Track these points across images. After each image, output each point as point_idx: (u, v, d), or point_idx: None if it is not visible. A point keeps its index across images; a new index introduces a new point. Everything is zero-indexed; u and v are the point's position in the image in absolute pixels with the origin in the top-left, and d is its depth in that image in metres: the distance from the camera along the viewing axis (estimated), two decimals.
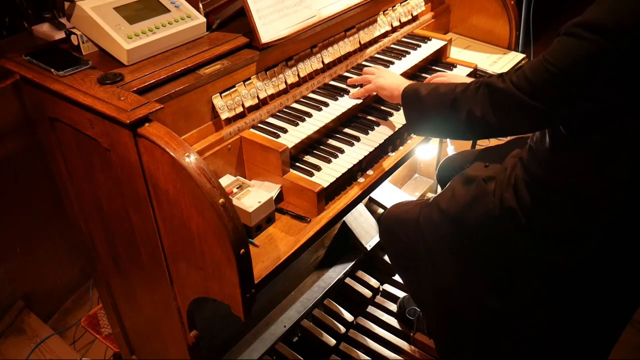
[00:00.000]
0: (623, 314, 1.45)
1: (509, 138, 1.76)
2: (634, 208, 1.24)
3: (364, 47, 1.91)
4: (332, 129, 1.66)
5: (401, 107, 1.53)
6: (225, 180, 1.44)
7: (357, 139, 1.61)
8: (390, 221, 1.84)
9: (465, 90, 1.33)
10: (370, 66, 1.78)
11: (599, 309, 1.41)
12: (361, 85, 1.69)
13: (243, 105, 1.51)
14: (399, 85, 1.54)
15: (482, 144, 3.23)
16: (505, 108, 1.25)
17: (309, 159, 1.55)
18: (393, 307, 2.31)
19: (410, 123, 1.53)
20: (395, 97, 1.55)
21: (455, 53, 2.17)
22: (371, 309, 2.31)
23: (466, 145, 2.63)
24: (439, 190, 2.40)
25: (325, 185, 1.42)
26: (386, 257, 2.46)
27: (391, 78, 1.61)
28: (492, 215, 1.44)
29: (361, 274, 2.39)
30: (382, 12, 1.96)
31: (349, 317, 2.23)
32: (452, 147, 2.66)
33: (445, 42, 2.02)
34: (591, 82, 1.12)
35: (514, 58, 2.14)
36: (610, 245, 1.29)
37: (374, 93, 1.66)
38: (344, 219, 2.29)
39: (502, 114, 1.27)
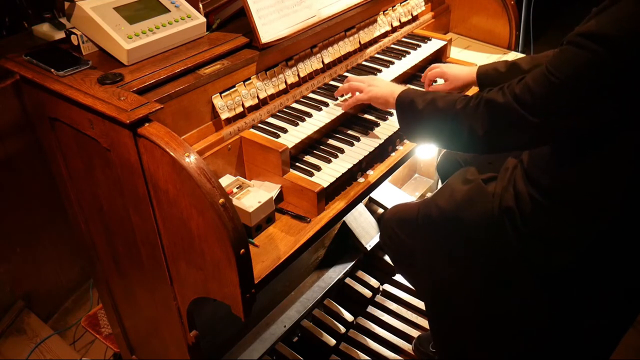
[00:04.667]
0: (624, 316, 1.45)
1: None
2: (630, 214, 1.24)
3: (364, 47, 1.91)
4: (332, 129, 1.66)
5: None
6: (225, 180, 1.44)
7: (357, 139, 1.61)
8: (390, 221, 1.84)
9: (465, 107, 1.29)
10: (348, 76, 1.72)
11: (597, 311, 1.41)
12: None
13: (243, 105, 1.51)
14: (392, 92, 1.50)
15: None
16: (506, 125, 1.23)
17: (309, 159, 1.55)
18: (393, 306, 2.31)
19: (406, 133, 1.51)
20: (390, 104, 1.52)
21: (455, 53, 2.17)
22: (371, 309, 2.31)
23: None
24: (440, 184, 2.40)
25: (325, 185, 1.42)
26: (386, 257, 2.46)
27: (383, 85, 1.57)
28: (490, 215, 1.44)
29: (361, 274, 2.39)
30: (382, 12, 1.96)
31: (349, 317, 2.23)
32: None
33: (445, 42, 2.02)
34: (590, 94, 1.10)
35: (514, 58, 2.14)
36: (605, 249, 1.29)
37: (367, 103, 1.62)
38: (344, 219, 2.29)
39: (503, 131, 1.24)
